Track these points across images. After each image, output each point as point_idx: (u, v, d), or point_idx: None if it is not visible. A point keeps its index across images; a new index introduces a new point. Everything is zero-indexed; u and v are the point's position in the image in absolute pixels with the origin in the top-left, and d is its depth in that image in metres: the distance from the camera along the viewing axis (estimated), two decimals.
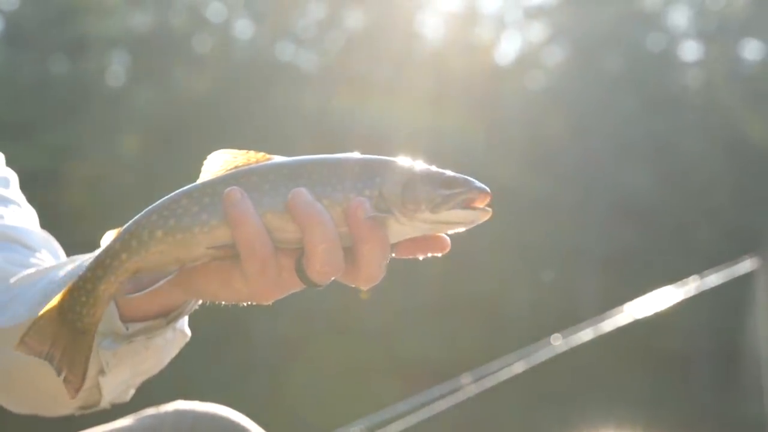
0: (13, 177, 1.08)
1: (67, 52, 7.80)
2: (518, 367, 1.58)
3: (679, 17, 8.86)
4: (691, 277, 1.80)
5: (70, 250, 1.10)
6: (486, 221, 0.78)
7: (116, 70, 8.03)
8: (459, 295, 7.01)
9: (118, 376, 0.87)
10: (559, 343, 1.63)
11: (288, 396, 5.82)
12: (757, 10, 8.46)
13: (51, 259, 1.01)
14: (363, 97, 7.37)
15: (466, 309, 7.07)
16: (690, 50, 8.74)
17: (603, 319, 1.69)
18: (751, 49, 8.73)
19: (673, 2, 8.81)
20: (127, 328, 0.84)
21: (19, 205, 1.06)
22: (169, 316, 0.83)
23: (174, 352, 0.88)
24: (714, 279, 1.78)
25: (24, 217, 1.05)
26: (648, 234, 7.36)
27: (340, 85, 7.64)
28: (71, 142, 6.89)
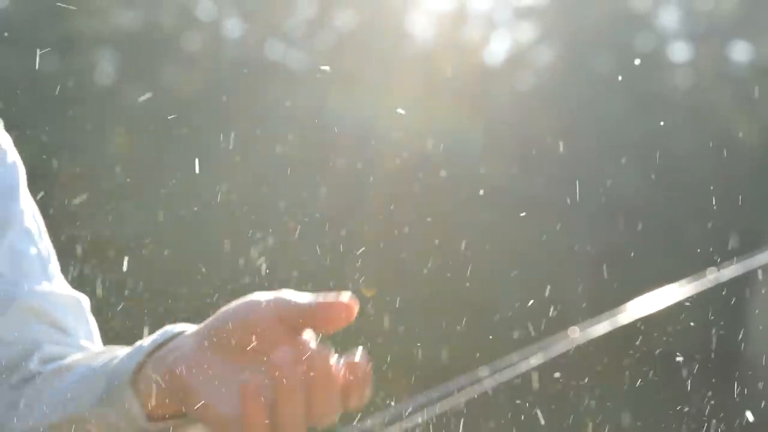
0: (21, 173, 1.07)
1: (57, 49, 7.79)
2: (534, 361, 1.58)
3: (669, 18, 8.88)
4: (708, 269, 1.78)
5: (58, 248, 1.09)
6: (477, 221, 0.81)
7: (106, 68, 8.02)
8: (448, 294, 7.02)
9: None
10: (576, 335, 1.62)
11: None
12: (746, 12, 8.48)
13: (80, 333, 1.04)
14: (353, 96, 7.37)
15: (456, 309, 7.08)
16: (679, 51, 8.75)
17: (619, 312, 1.68)
18: (740, 51, 8.74)
19: (663, 3, 8.83)
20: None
21: (41, 237, 1.06)
22: (189, 416, 0.88)
23: None
24: (730, 271, 1.77)
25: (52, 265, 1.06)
26: (638, 234, 7.38)
27: (329, 84, 7.64)
28: (60, 140, 6.88)
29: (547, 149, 7.60)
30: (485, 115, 7.71)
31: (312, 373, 0.82)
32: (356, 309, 0.84)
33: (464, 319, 6.99)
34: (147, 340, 0.89)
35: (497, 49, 9.20)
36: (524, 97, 8.12)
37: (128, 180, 6.72)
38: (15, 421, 0.91)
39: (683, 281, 1.72)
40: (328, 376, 0.83)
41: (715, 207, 7.28)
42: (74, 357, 0.94)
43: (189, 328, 0.89)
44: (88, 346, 0.97)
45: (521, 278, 7.36)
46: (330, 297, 0.84)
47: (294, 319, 0.85)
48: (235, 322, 0.86)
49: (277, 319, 0.85)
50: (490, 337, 6.16)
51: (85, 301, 1.01)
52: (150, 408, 0.87)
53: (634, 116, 7.75)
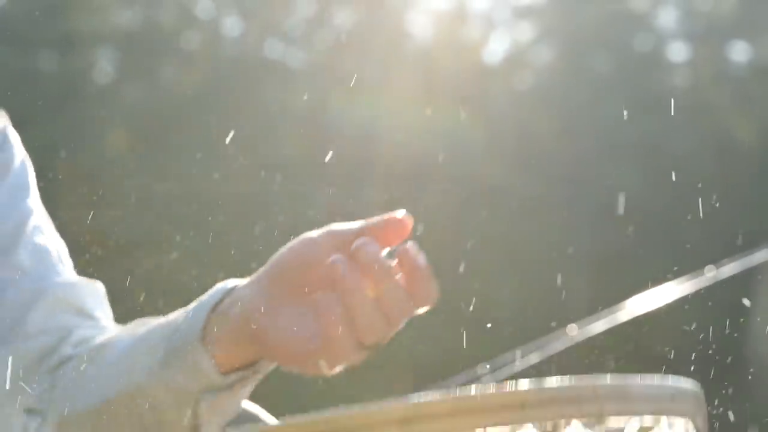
0: (30, 170, 1.08)
1: (56, 48, 7.79)
2: (534, 358, 1.58)
3: (668, 18, 8.87)
4: (707, 267, 1.78)
5: None
6: (476, 220, 0.82)
7: (104, 66, 8.01)
8: (448, 294, 7.00)
9: (211, 427, 0.92)
10: (575, 333, 1.62)
11: (280, 391, 5.82)
12: (745, 12, 8.48)
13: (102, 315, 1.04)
14: (352, 95, 7.37)
15: (456, 308, 7.06)
16: (678, 51, 8.75)
17: (618, 310, 1.68)
18: (739, 51, 8.75)
19: (662, 3, 8.83)
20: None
21: (52, 229, 1.06)
22: (257, 365, 0.87)
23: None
24: (729, 269, 1.75)
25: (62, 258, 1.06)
26: (636, 234, 7.37)
27: (329, 83, 7.64)
28: (60, 138, 6.88)
29: (546, 149, 7.60)
30: (484, 114, 7.71)
31: (365, 263, 0.82)
32: (411, 224, 0.85)
33: (464, 318, 6.99)
34: (203, 299, 0.89)
35: (496, 48, 9.21)
36: (524, 97, 8.12)
37: (127, 178, 6.72)
38: (55, 407, 0.91)
39: (682, 278, 1.71)
40: (381, 260, 0.83)
41: (714, 207, 7.30)
42: (106, 336, 0.95)
43: (241, 281, 0.89)
44: (112, 327, 0.99)
45: (521, 277, 7.36)
46: (383, 216, 0.85)
47: (349, 243, 0.85)
48: (292, 260, 0.86)
49: (332, 248, 0.85)
50: (490, 335, 6.17)
51: (100, 287, 1.02)
52: (220, 362, 0.86)
53: (633, 116, 7.75)
